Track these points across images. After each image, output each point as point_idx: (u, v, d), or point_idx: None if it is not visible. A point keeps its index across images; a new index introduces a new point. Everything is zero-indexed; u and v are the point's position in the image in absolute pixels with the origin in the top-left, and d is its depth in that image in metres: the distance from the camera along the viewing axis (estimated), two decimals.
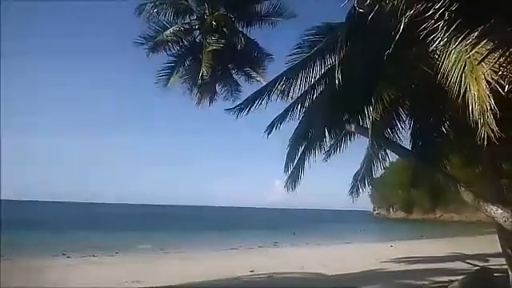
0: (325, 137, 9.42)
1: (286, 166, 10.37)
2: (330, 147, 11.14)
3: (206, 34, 14.45)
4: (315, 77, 9.02)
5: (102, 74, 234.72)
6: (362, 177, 11.59)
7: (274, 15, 14.82)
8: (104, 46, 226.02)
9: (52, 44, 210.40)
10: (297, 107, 9.47)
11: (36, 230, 33.56)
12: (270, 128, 9.77)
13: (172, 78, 14.80)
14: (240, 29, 15.04)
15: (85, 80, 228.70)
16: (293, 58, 9.43)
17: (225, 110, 10.68)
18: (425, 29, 3.29)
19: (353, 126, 9.31)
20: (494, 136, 5.36)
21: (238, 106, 10.48)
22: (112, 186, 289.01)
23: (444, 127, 8.54)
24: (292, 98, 9.51)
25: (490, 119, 5.35)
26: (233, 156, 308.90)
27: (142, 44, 14.48)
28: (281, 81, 9.36)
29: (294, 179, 10.44)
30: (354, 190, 11.91)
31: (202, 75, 13.51)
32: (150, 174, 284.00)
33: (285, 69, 9.58)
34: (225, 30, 14.54)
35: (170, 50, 14.87)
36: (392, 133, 8.84)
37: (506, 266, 8.50)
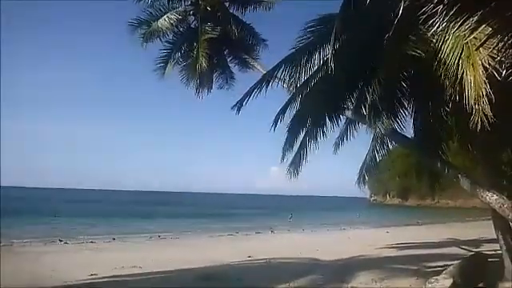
0: (325, 124, 9.41)
1: (284, 153, 10.37)
2: (338, 138, 11.20)
3: (201, 19, 14.29)
4: (315, 66, 8.96)
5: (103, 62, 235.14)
6: (367, 166, 11.72)
7: None
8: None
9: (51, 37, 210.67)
10: (298, 96, 9.42)
11: (32, 217, 33.70)
12: (275, 122, 9.73)
13: (169, 66, 14.68)
14: (235, 13, 14.89)
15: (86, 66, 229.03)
16: (294, 47, 9.37)
17: (231, 107, 10.66)
18: (424, 13, 3.25)
19: (351, 113, 9.30)
20: (488, 122, 5.37)
21: (238, 101, 10.54)
22: (109, 172, 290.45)
23: (443, 113, 8.53)
24: (294, 87, 9.46)
25: (485, 105, 5.35)
26: (230, 142, 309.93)
27: (137, 27, 14.30)
28: (281, 70, 9.33)
29: (294, 166, 10.45)
30: (361, 179, 12.09)
31: (200, 65, 13.39)
32: (146, 160, 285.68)
33: (285, 58, 9.53)
34: (219, 14, 14.38)
35: (164, 37, 14.75)
36: (393, 119, 8.84)
37: (500, 251, 8.61)
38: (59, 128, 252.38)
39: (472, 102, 5.42)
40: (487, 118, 5.38)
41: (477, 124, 5.44)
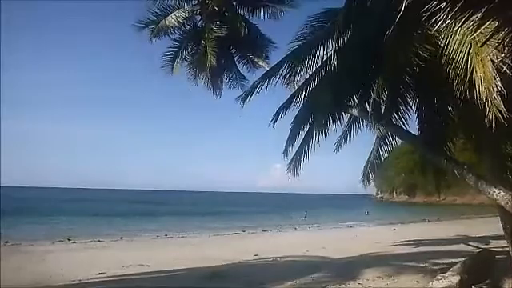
0: (328, 121, 9.39)
1: (286, 151, 10.37)
2: (340, 136, 11.19)
3: (208, 19, 14.34)
4: (318, 62, 8.94)
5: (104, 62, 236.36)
6: (372, 164, 11.69)
7: (276, 2, 14.62)
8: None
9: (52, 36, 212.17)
10: (300, 94, 9.40)
11: (35, 217, 33.98)
12: (275, 117, 9.72)
13: (176, 64, 14.76)
14: (242, 14, 14.90)
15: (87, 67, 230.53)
16: (295, 44, 9.35)
17: (236, 98, 10.71)
18: (427, 10, 3.25)
19: (355, 111, 9.27)
20: (503, 117, 5.32)
21: (242, 94, 10.52)
22: (109, 172, 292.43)
23: (449, 110, 8.48)
24: (295, 84, 9.45)
25: (498, 100, 5.31)
26: (233, 140, 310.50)
27: (143, 28, 14.40)
28: (283, 67, 9.31)
29: (295, 164, 10.44)
30: (365, 177, 12.05)
31: (210, 63, 13.45)
32: (146, 160, 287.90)
33: (287, 54, 9.52)
34: (226, 14, 14.41)
35: (172, 34, 14.86)
36: (397, 116, 8.81)
37: (507, 248, 8.55)
38: (59, 128, 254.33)
39: (484, 98, 5.37)
40: (501, 114, 5.33)
41: (491, 120, 5.37)
